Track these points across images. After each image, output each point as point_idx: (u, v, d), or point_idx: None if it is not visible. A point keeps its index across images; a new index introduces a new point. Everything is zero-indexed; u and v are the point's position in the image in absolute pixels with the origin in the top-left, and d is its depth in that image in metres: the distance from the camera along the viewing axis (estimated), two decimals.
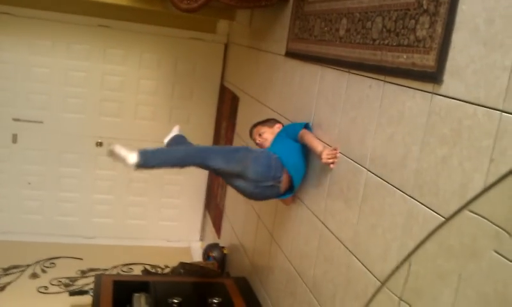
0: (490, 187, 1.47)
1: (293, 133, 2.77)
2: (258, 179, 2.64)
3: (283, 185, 2.70)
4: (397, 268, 1.83)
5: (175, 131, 3.20)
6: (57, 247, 5.08)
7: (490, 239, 1.44)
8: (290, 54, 3.22)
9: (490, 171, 1.47)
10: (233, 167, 2.67)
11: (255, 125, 3.15)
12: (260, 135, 3.04)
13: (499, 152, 1.44)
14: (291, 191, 2.77)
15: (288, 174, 2.67)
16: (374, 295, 1.97)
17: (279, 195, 2.75)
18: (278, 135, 2.91)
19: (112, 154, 2.69)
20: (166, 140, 3.15)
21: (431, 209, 1.73)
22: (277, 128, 2.99)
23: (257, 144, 3.06)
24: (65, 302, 4.12)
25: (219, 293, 3.26)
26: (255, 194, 2.73)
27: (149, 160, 2.69)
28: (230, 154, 2.74)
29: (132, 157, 2.62)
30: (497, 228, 1.41)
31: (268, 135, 2.99)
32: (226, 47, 5.29)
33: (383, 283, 1.91)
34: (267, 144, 2.95)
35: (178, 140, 3.11)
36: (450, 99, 1.67)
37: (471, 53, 1.59)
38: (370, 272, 2.07)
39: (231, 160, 2.69)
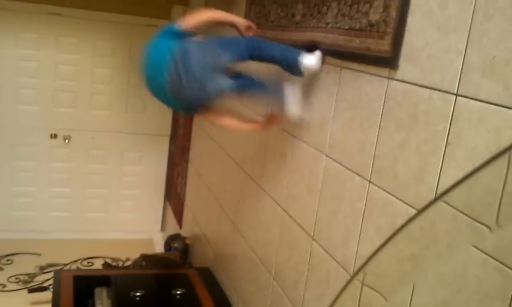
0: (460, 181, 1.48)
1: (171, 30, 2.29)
2: None
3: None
4: (367, 261, 1.84)
5: None
6: (14, 243, 4.95)
7: (449, 223, 1.46)
8: None
9: (446, 154, 1.48)
10: None
11: None
12: None
13: (455, 135, 1.46)
14: None
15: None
16: (342, 290, 1.98)
17: None
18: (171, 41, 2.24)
19: None
20: None
21: (389, 193, 1.74)
22: None
23: None
24: (25, 300, 4.04)
25: (182, 284, 3.23)
26: None
27: None
28: None
29: None
30: (455, 211, 1.43)
31: None
32: None
33: (352, 277, 1.91)
34: None
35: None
36: (406, 83, 1.67)
37: (426, 37, 1.59)
38: (332, 257, 2.08)
39: None
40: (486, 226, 1.33)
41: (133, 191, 5.51)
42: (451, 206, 1.45)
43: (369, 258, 1.83)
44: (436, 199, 1.51)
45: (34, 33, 4.85)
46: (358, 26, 1.91)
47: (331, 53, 2.14)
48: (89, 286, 3.25)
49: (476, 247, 1.36)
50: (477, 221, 1.36)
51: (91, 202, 5.40)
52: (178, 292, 3.13)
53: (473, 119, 1.40)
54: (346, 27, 1.99)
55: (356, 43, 1.92)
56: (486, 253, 1.33)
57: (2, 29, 4.76)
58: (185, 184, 4.76)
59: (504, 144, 1.30)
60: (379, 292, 1.76)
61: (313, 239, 2.24)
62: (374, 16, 1.81)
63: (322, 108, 2.22)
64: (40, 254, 4.84)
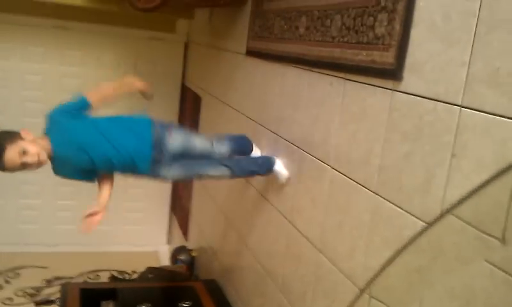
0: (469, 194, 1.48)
1: (80, 106, 2.50)
2: None
3: None
4: (377, 274, 1.83)
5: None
6: (21, 256, 4.93)
7: (457, 235, 1.46)
8: (251, 53, 3.20)
9: (452, 166, 1.48)
10: None
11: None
12: (25, 153, 2.27)
13: (460, 147, 1.46)
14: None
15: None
16: (353, 303, 1.97)
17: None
18: (57, 125, 2.45)
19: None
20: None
21: (395, 205, 1.74)
22: (27, 134, 2.34)
23: (29, 164, 2.30)
24: None
25: (188, 297, 3.23)
26: None
27: None
28: None
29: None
30: (463, 223, 1.43)
31: (33, 146, 2.30)
32: (187, 46, 5.24)
33: (362, 290, 1.91)
34: (44, 157, 2.34)
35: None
36: (411, 95, 1.68)
37: (429, 49, 1.60)
38: (338, 269, 2.08)
39: None
40: (495, 238, 1.33)
41: (138, 203, 5.50)
42: (459, 218, 1.45)
43: (378, 272, 1.82)
44: (447, 211, 1.51)
45: (40, 47, 4.88)
46: (365, 40, 1.92)
47: (336, 66, 2.15)
48: (95, 299, 3.26)
49: (484, 260, 1.36)
50: (485, 233, 1.36)
51: None
52: (185, 305, 3.13)
53: (478, 130, 1.40)
54: (354, 41, 2.00)
55: (363, 56, 1.93)
56: (494, 265, 1.33)
57: (8, 43, 4.79)
58: (190, 196, 4.76)
59: (510, 155, 1.30)
60: (386, 305, 1.76)
61: (319, 251, 2.24)
62: (380, 30, 1.82)
63: (326, 120, 2.22)
64: (46, 268, 4.84)
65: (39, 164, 2.33)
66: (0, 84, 4.83)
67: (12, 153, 2.24)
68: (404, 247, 1.68)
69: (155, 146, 2.44)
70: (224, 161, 2.61)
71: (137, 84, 2.68)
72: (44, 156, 2.33)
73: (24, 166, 2.29)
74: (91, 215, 2.45)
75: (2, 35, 4.76)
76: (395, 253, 1.73)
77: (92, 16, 4.86)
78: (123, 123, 2.51)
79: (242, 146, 2.83)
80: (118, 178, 2.55)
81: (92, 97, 2.52)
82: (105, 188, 2.58)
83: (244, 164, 2.67)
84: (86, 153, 2.39)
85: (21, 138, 2.29)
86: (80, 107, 2.49)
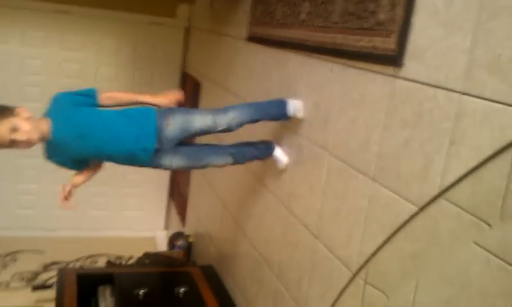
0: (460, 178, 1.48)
1: (87, 97, 2.43)
2: None
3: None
4: (369, 259, 1.84)
5: None
6: (18, 240, 4.93)
7: (453, 221, 1.45)
8: (252, 38, 3.18)
9: (450, 153, 1.48)
10: None
11: None
12: (15, 130, 2.16)
13: (459, 134, 1.46)
14: None
15: None
16: (344, 289, 1.98)
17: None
18: (61, 110, 2.37)
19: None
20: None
21: (392, 192, 1.73)
22: (24, 111, 2.23)
23: (18, 142, 2.20)
24: (29, 297, 4.04)
25: (185, 282, 3.23)
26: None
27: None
28: None
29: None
30: (459, 209, 1.43)
31: (25, 124, 2.19)
32: (187, 31, 5.22)
33: (355, 274, 1.91)
34: (34, 136, 2.22)
35: None
36: (411, 82, 1.67)
37: (431, 36, 1.59)
38: (335, 256, 2.08)
39: None
40: (490, 224, 1.33)
41: (137, 189, 5.50)
42: (454, 204, 1.45)
43: (371, 256, 1.83)
44: (438, 196, 1.51)
45: (40, 31, 4.86)
46: (367, 25, 1.91)
47: (337, 52, 2.13)
48: (92, 284, 3.26)
49: (479, 246, 1.36)
50: (480, 219, 1.35)
51: (95, 200, 5.39)
52: (182, 290, 3.13)
53: (477, 117, 1.39)
54: (356, 27, 1.98)
55: (365, 42, 1.92)
56: (489, 251, 1.33)
57: (7, 27, 4.77)
58: (188, 182, 4.76)
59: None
60: (381, 291, 1.76)
61: (316, 238, 2.24)
62: (382, 16, 1.81)
63: (326, 106, 2.21)
64: (43, 252, 4.85)
65: (28, 143, 2.23)
66: (0, 68, 4.81)
67: (2, 128, 2.14)
68: (396, 232, 1.68)
69: (157, 135, 2.39)
70: (227, 148, 2.59)
71: (163, 104, 2.53)
72: (35, 135, 2.23)
73: (13, 143, 2.20)
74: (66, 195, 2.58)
75: (2, 19, 4.73)
76: (387, 238, 1.73)
77: (92, 0, 4.83)
78: (126, 114, 2.43)
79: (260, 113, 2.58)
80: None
81: (103, 95, 2.44)
82: (86, 173, 2.61)
83: (246, 150, 2.65)
84: (87, 141, 2.33)
85: (16, 114, 2.20)
86: (87, 98, 2.42)
